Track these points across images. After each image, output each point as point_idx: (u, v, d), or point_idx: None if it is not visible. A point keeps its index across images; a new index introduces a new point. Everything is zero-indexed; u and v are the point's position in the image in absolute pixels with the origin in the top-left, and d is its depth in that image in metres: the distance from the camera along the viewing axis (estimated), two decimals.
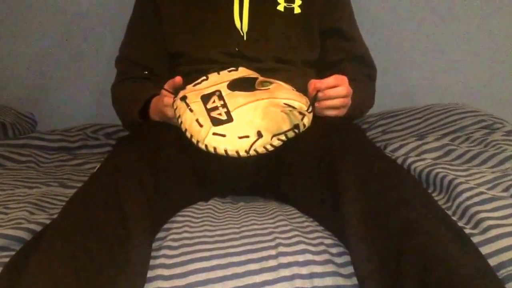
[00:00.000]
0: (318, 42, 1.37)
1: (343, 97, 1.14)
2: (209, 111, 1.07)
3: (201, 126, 1.05)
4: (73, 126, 1.75)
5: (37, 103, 1.96)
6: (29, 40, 1.94)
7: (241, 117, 1.05)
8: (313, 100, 1.11)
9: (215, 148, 1.03)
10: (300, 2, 1.33)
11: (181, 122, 1.07)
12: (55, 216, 0.87)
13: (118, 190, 0.88)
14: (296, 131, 1.06)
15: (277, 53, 1.30)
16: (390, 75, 1.84)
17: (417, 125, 1.53)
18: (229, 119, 1.05)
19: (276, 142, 1.04)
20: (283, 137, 1.05)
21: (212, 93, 1.10)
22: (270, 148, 1.04)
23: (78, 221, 0.82)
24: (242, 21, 1.29)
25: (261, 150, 1.03)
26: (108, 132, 1.72)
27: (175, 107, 1.10)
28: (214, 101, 1.08)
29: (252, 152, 1.03)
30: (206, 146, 1.03)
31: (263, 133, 1.03)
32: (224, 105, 1.07)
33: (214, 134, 1.04)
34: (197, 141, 1.04)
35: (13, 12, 1.93)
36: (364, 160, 0.93)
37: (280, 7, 1.32)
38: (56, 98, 1.98)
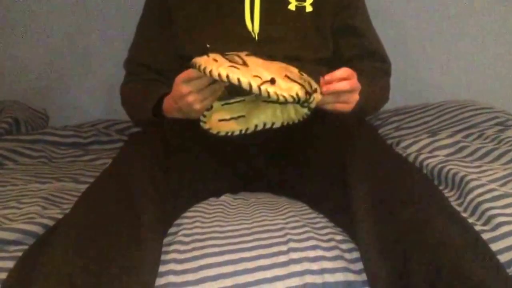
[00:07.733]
0: (330, 40, 1.35)
1: (347, 91, 1.09)
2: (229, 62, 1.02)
3: (217, 61, 1.00)
4: (85, 122, 1.76)
5: (49, 99, 1.96)
6: (41, 36, 1.95)
7: (258, 69, 1.02)
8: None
9: (227, 76, 0.97)
10: (311, 0, 1.32)
11: (199, 66, 1.01)
12: (67, 211, 0.88)
13: (130, 186, 0.89)
14: (306, 103, 1.02)
15: (289, 52, 1.28)
16: (404, 72, 1.83)
17: (430, 121, 1.52)
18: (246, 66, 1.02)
19: (288, 96, 0.97)
20: (294, 95, 0.98)
21: (233, 54, 1.06)
22: (281, 97, 0.97)
23: (90, 217, 0.83)
24: (253, 23, 1.29)
25: (272, 93, 0.96)
26: (120, 128, 1.73)
27: (195, 63, 1.03)
28: (234, 59, 1.03)
29: (264, 92, 0.96)
30: (219, 74, 0.97)
31: (277, 81, 0.98)
32: (244, 64, 1.03)
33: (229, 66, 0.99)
34: (211, 70, 0.98)
35: (24, 10, 1.93)
36: (375, 161, 0.94)
37: (292, 6, 1.30)
38: (68, 93, 1.99)
